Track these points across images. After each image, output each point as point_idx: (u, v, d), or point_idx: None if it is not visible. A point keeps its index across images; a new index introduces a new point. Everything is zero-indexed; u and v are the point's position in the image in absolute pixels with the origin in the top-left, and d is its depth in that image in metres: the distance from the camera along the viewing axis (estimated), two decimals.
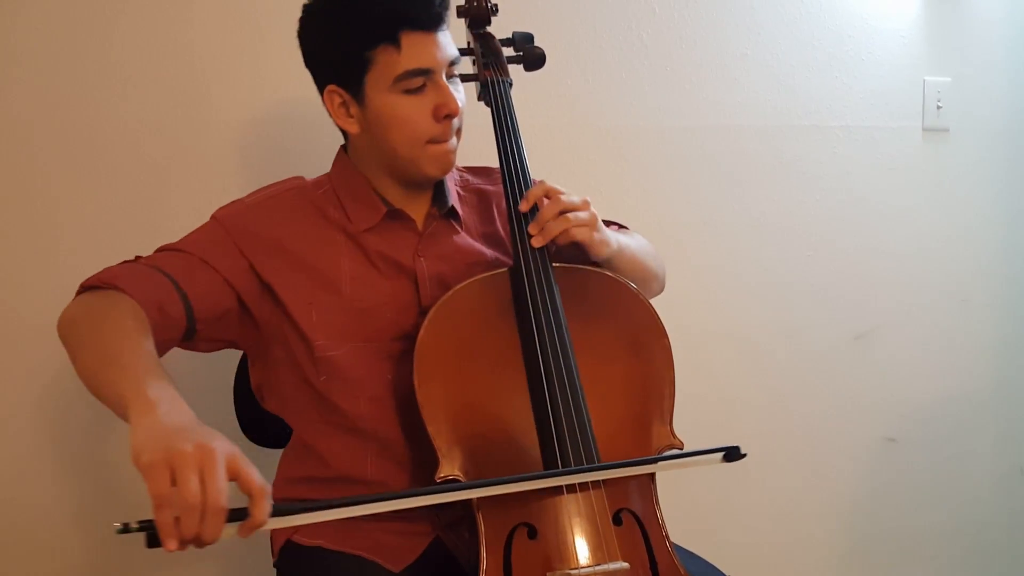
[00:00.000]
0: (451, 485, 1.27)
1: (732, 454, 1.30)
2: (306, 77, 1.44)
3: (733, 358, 2.33)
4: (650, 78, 2.19)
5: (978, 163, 2.60)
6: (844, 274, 2.45)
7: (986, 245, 2.63)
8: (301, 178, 1.51)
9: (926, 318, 2.56)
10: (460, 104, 1.39)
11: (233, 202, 1.46)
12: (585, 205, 1.42)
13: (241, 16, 1.82)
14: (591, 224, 1.42)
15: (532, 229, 1.41)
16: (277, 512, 1.08)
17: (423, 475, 1.38)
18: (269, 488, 1.03)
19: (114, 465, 1.78)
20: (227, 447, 1.01)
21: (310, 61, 1.43)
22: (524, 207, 1.42)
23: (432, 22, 1.35)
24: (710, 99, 2.26)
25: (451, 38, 1.40)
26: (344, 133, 1.47)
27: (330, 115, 1.43)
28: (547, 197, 1.42)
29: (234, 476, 1.01)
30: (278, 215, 1.43)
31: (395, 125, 1.37)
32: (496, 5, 1.56)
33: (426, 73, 1.36)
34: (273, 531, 1.51)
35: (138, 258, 1.38)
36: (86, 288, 1.32)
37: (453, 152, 1.44)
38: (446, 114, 1.38)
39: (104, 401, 1.16)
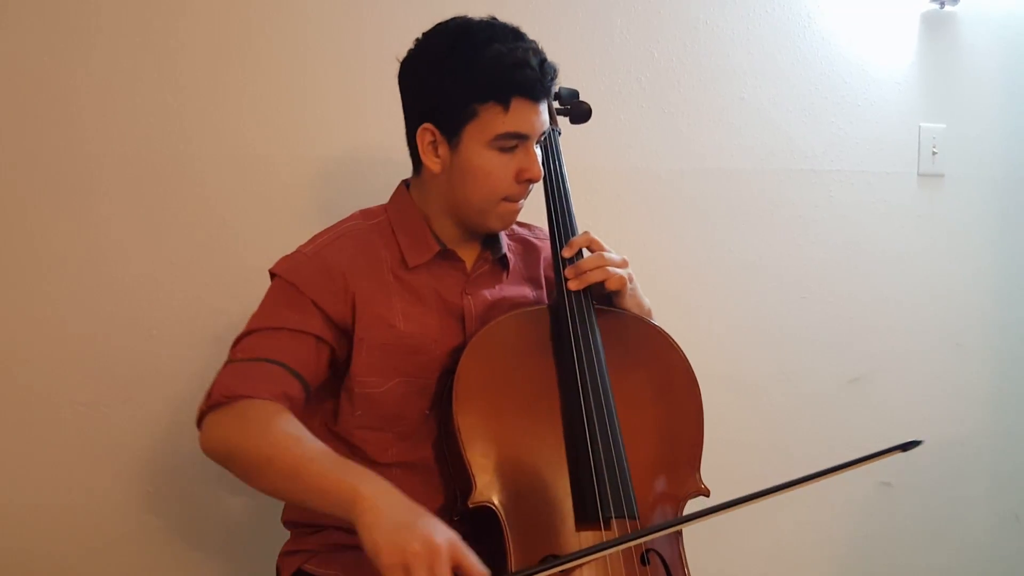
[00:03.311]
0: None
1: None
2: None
3: (728, 400, 2.33)
4: (647, 121, 2.21)
5: (973, 208, 2.61)
6: (839, 318, 2.45)
7: (980, 290, 2.64)
8: (357, 215, 1.54)
9: (920, 362, 2.56)
10: (541, 170, 1.45)
11: (291, 256, 1.47)
12: (624, 263, 1.51)
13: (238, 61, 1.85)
14: (627, 279, 1.50)
15: (568, 273, 1.48)
16: None
17: (447, 495, 1.43)
18: (488, 572, 1.12)
19: (108, 468, 1.79)
20: (448, 537, 1.11)
21: (412, 96, 1.46)
22: (567, 252, 1.50)
23: (541, 93, 1.42)
24: (707, 143, 2.27)
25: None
26: (417, 169, 1.50)
27: (415, 149, 1.46)
28: (590, 248, 1.50)
29: (456, 565, 1.10)
30: (336, 258, 1.44)
31: (480, 177, 1.42)
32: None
33: (523, 138, 1.41)
34: (281, 560, 1.53)
35: (232, 356, 1.39)
36: (213, 406, 1.33)
37: (519, 211, 1.49)
38: (528, 178, 1.43)
39: (310, 507, 1.23)
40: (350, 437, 1.46)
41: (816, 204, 2.41)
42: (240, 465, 1.29)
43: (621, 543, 1.23)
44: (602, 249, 1.50)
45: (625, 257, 1.52)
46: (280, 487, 1.25)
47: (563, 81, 1.78)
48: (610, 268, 1.47)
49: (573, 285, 1.47)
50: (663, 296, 2.18)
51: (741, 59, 2.30)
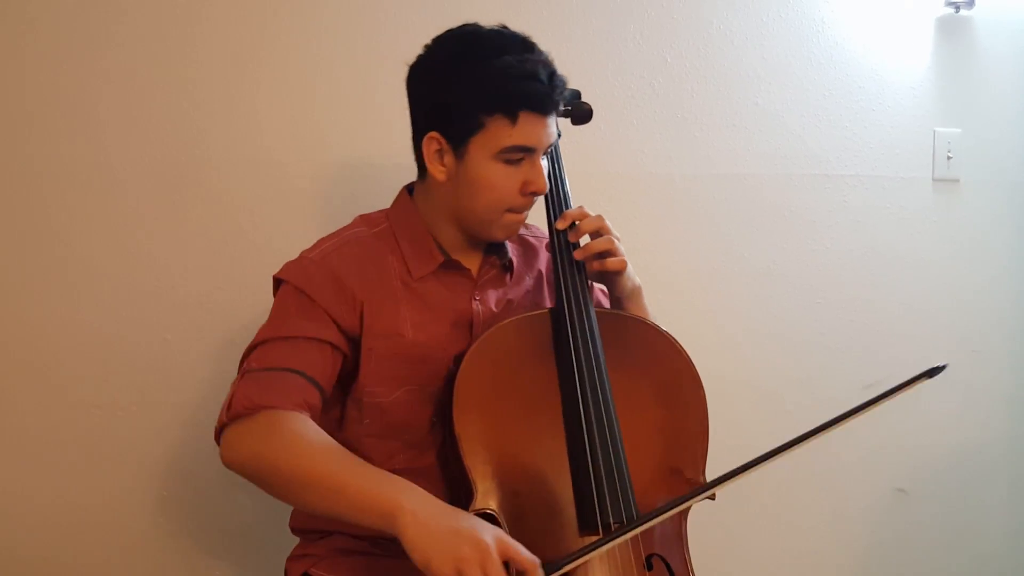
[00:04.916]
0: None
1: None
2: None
3: (743, 406, 2.32)
4: (661, 126, 2.20)
5: (988, 213, 2.60)
6: (854, 323, 2.44)
7: (997, 295, 2.62)
8: (358, 221, 1.53)
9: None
10: (547, 183, 1.44)
11: (297, 260, 1.46)
12: (618, 239, 1.49)
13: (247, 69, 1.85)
14: (624, 256, 1.49)
15: (572, 237, 1.47)
16: (549, 571, 1.17)
17: (453, 501, 1.39)
18: (538, 560, 1.14)
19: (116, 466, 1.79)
20: (493, 534, 1.13)
21: (419, 104, 1.45)
22: (561, 224, 1.49)
23: (550, 108, 1.40)
24: (720, 148, 2.27)
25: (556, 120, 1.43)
26: (422, 175, 1.49)
27: (422, 157, 1.45)
28: (587, 224, 1.49)
29: (506, 558, 1.12)
30: (343, 266, 1.43)
31: (484, 188, 1.41)
32: None
33: (529, 151, 1.40)
34: (289, 564, 1.53)
35: (248, 366, 1.37)
36: (235, 418, 1.31)
37: (523, 222, 1.48)
38: (533, 191, 1.42)
39: (350, 522, 1.22)
40: (357, 445, 1.43)
41: (830, 209, 2.40)
42: (272, 481, 1.27)
43: (607, 542, 1.22)
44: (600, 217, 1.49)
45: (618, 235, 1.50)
46: (318, 504, 1.24)
47: (574, 85, 1.79)
48: (615, 242, 1.47)
49: (579, 254, 1.47)
50: (677, 301, 2.20)
51: (755, 64, 2.29)
